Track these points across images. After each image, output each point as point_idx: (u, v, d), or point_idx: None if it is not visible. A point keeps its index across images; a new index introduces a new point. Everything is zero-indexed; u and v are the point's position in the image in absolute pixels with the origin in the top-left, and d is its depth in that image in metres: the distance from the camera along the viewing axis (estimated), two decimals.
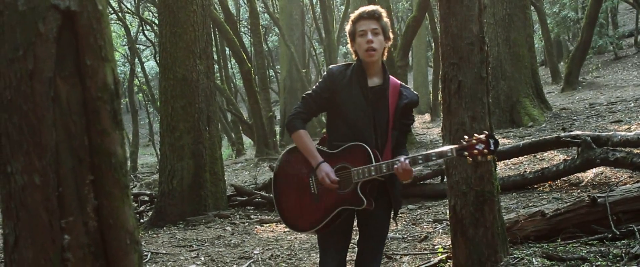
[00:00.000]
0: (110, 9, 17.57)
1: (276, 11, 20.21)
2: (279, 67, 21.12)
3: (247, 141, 18.64)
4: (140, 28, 21.83)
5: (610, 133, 5.79)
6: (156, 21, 16.20)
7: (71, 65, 1.47)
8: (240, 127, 16.63)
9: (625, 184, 5.19)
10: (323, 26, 17.78)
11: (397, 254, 4.46)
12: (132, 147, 19.44)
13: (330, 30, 17.34)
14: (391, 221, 2.75)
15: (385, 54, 2.68)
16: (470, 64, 3.36)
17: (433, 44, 17.18)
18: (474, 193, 3.39)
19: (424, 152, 2.51)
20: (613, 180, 5.61)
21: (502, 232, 3.50)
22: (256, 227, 6.15)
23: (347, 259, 2.76)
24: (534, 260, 3.43)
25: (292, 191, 2.68)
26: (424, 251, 4.46)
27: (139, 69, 22.11)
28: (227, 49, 17.61)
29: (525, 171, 6.29)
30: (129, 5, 20.97)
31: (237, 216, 6.78)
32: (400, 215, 5.62)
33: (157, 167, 9.56)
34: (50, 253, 1.46)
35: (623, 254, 3.35)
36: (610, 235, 3.72)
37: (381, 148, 2.59)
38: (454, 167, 3.47)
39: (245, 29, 23.10)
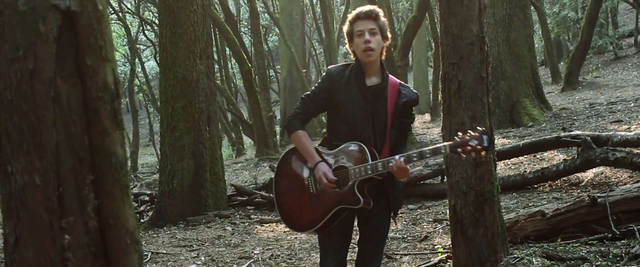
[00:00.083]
0: (110, 9, 17.57)
1: (276, 11, 20.22)
2: (279, 67, 21.13)
3: (247, 140, 18.64)
4: (141, 28, 21.82)
5: (610, 133, 5.80)
6: (156, 21, 16.20)
7: (71, 65, 1.47)
8: (241, 127, 16.63)
9: (625, 184, 5.19)
10: (323, 26, 17.79)
11: (397, 254, 4.46)
12: (133, 147, 19.45)
13: (330, 30, 17.34)
14: (391, 220, 2.75)
15: (384, 53, 2.68)
16: (470, 64, 3.36)
17: (433, 44, 17.17)
18: (474, 193, 3.39)
19: (418, 150, 2.51)
20: (613, 180, 5.61)
21: (502, 232, 3.51)
22: (256, 227, 6.15)
23: (347, 259, 2.76)
24: (534, 260, 3.43)
25: (292, 190, 2.69)
26: (424, 251, 4.46)
27: (140, 69, 22.11)
28: (227, 49, 17.61)
29: (525, 171, 6.29)
30: (129, 5, 20.95)
31: (238, 216, 6.78)
32: (400, 215, 5.62)
33: (158, 167, 9.55)
34: (51, 253, 1.46)
35: (623, 254, 3.35)
36: (610, 235, 3.72)
37: (380, 147, 2.59)
38: (454, 167, 3.48)
39: (246, 29, 23.10)
